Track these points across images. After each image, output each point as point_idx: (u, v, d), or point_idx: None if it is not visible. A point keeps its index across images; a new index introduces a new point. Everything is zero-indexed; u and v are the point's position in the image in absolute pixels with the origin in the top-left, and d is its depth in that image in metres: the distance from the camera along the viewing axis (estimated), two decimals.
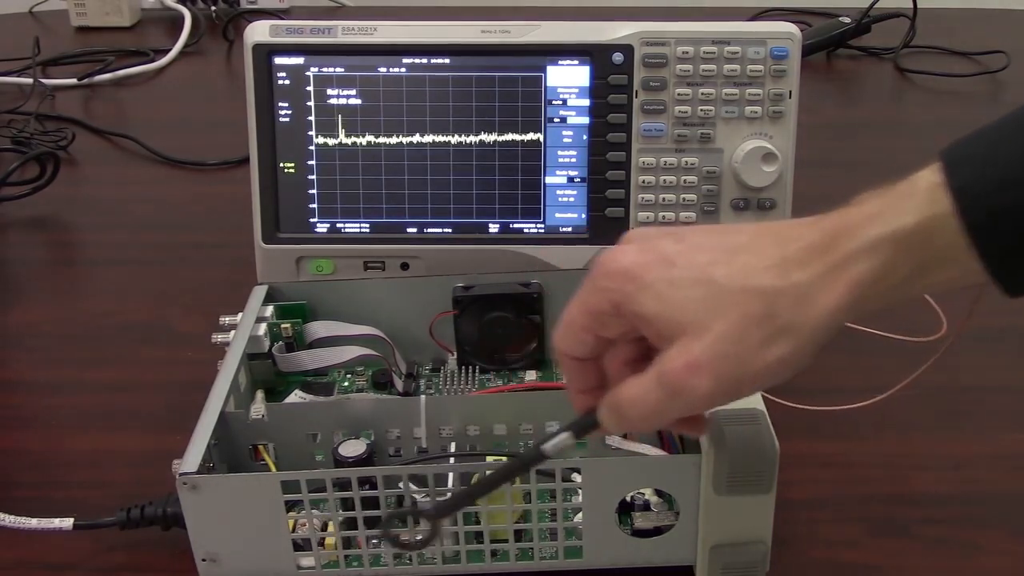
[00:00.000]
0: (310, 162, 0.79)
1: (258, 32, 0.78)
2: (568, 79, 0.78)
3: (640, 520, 0.57)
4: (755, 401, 0.57)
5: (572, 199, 0.79)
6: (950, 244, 0.41)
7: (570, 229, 0.80)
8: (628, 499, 0.57)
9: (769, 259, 0.43)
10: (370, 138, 0.79)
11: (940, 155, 0.42)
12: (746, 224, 0.45)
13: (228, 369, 0.63)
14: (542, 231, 0.80)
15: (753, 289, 0.43)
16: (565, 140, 0.79)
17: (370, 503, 0.54)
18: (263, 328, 0.68)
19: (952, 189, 0.41)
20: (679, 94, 0.77)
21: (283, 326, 0.70)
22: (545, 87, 0.78)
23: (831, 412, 0.72)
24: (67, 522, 0.58)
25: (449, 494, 0.54)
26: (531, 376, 0.72)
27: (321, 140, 0.79)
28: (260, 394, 0.67)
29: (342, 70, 0.78)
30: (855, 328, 0.74)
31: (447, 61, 0.78)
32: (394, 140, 0.79)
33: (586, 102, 0.78)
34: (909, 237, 0.42)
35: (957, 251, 0.41)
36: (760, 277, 0.43)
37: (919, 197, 0.42)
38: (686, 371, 0.43)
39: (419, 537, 0.49)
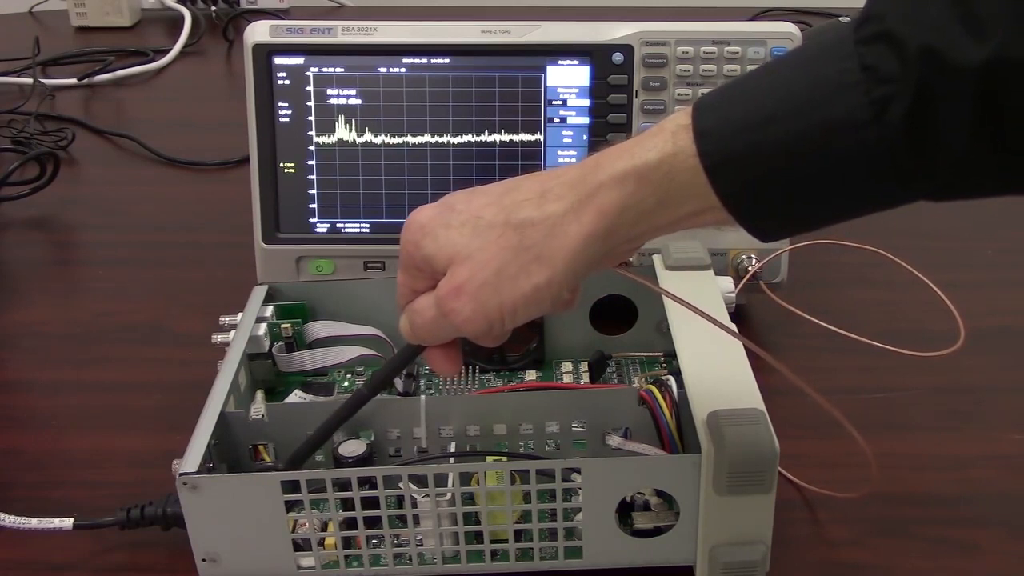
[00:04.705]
0: (310, 162, 0.79)
1: (258, 32, 0.78)
2: (568, 79, 0.78)
3: (640, 520, 0.57)
4: (755, 401, 0.57)
5: None
6: (691, 182, 0.44)
7: None
8: (628, 499, 0.57)
9: (530, 194, 0.47)
10: (370, 138, 0.79)
11: (694, 102, 0.45)
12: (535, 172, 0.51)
13: (228, 369, 0.63)
14: None
15: (512, 222, 0.47)
16: (565, 140, 0.79)
17: (370, 503, 0.54)
18: (263, 328, 0.68)
19: (695, 131, 0.44)
20: (679, 94, 0.77)
21: (283, 326, 0.70)
22: (545, 87, 0.78)
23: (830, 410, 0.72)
24: (67, 522, 0.59)
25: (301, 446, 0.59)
26: (531, 376, 0.72)
27: (321, 140, 0.79)
28: (260, 394, 0.67)
29: (342, 70, 0.78)
30: (858, 340, 0.74)
31: (447, 61, 0.78)
32: (394, 140, 0.79)
33: (586, 102, 0.78)
34: (652, 171, 0.45)
35: (698, 187, 0.44)
36: (519, 211, 0.47)
37: (664, 136, 0.45)
38: (451, 295, 0.48)
39: None
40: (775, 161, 0.43)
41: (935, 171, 0.41)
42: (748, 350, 0.61)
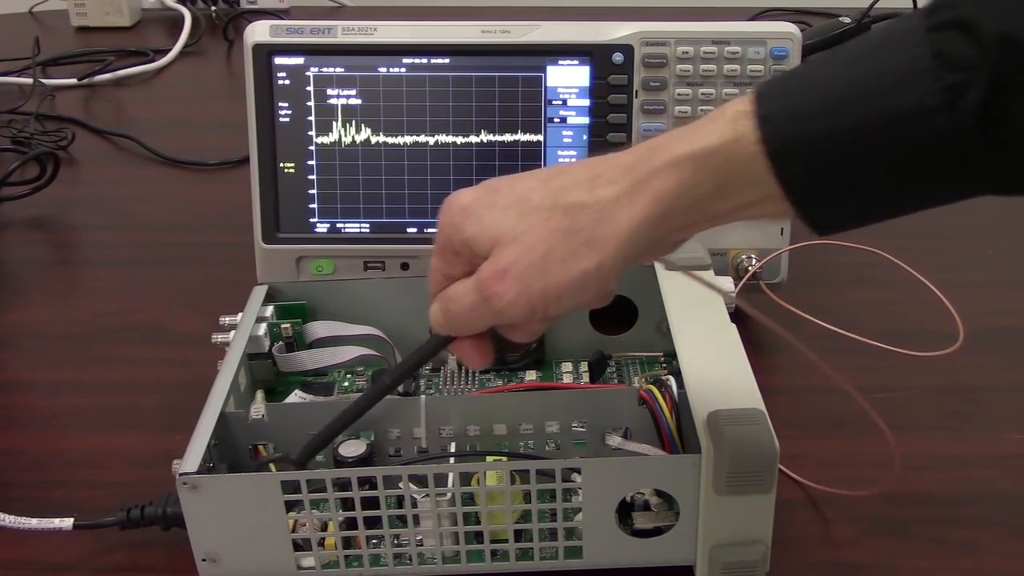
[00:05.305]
0: (310, 162, 0.79)
1: (258, 32, 0.78)
2: (568, 79, 0.78)
3: (640, 520, 0.57)
4: (755, 401, 0.57)
5: None
6: (751, 168, 0.43)
7: None
8: (628, 499, 0.57)
9: (580, 178, 0.46)
10: (370, 138, 0.79)
11: (755, 88, 0.44)
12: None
13: (228, 369, 0.63)
14: None
15: (561, 205, 0.46)
16: (565, 140, 0.79)
17: (370, 503, 0.54)
18: (263, 328, 0.68)
19: (757, 117, 0.43)
20: (679, 94, 0.77)
21: (283, 326, 0.70)
22: (545, 87, 0.78)
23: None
24: (67, 522, 0.59)
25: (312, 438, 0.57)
26: (531, 376, 0.72)
27: (321, 140, 0.79)
28: (260, 394, 0.67)
29: (342, 70, 0.78)
30: (858, 340, 0.74)
31: (447, 61, 0.78)
32: (394, 140, 0.79)
33: (586, 102, 0.78)
34: (710, 156, 0.44)
35: (758, 174, 0.43)
36: (568, 194, 0.46)
37: (724, 122, 0.44)
38: (495, 278, 0.46)
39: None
40: (840, 148, 0.42)
41: (1007, 161, 0.40)
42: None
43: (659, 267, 0.70)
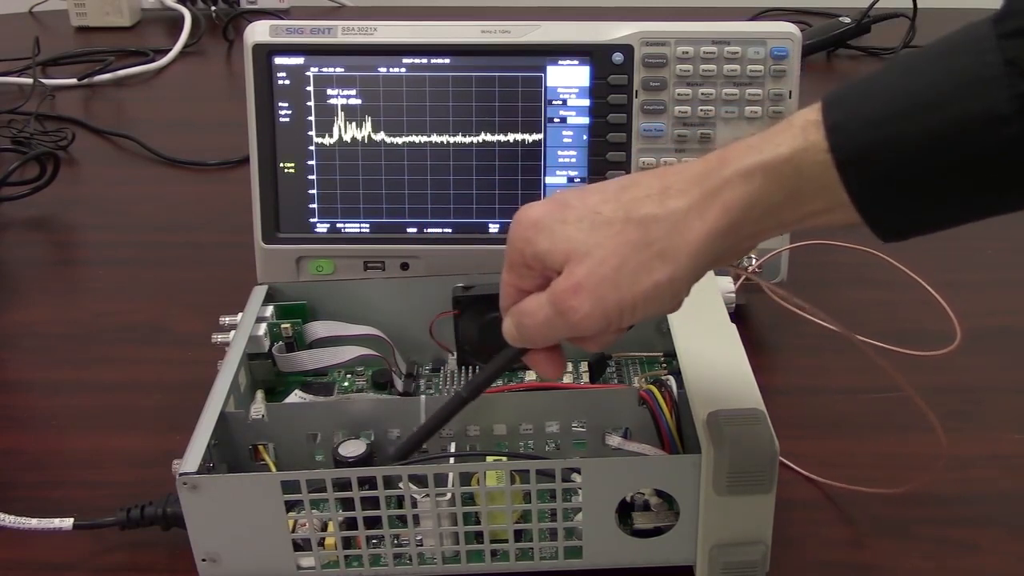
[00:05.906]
0: (310, 162, 0.79)
1: (258, 32, 0.78)
2: (568, 79, 0.78)
3: (640, 520, 0.57)
4: (755, 401, 0.57)
5: None
6: (821, 176, 0.43)
7: None
8: (628, 499, 0.57)
9: (650, 189, 0.46)
10: (370, 138, 0.79)
11: (822, 98, 0.44)
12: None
13: (228, 369, 0.63)
14: None
15: (632, 218, 0.46)
16: (565, 140, 0.79)
17: (370, 503, 0.54)
18: (263, 328, 0.68)
19: (826, 126, 0.43)
20: (679, 94, 0.77)
21: (283, 326, 0.70)
22: (545, 87, 0.78)
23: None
24: (67, 522, 0.59)
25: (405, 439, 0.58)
26: (531, 376, 0.72)
27: (321, 140, 0.79)
28: (260, 394, 0.67)
29: (342, 70, 0.78)
30: (858, 339, 0.74)
31: (447, 61, 0.78)
32: (394, 140, 0.79)
33: (586, 102, 0.78)
34: (781, 166, 0.44)
35: (828, 183, 0.43)
36: (640, 206, 0.46)
37: (794, 131, 0.44)
38: (569, 292, 0.47)
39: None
40: (909, 155, 0.42)
41: None
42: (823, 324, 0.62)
43: None
